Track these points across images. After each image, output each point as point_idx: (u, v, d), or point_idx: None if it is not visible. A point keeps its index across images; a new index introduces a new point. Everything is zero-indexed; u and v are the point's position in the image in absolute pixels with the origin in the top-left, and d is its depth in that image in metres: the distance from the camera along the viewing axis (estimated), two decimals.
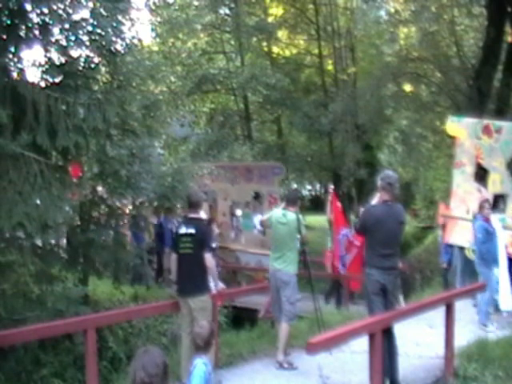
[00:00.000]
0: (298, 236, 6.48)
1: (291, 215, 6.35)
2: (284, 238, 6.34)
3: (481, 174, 11.19)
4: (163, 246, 12.78)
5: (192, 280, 5.60)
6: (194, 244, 5.60)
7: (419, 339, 7.01)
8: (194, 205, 5.82)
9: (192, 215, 5.81)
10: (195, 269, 5.59)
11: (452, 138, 11.89)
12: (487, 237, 8.28)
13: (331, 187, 10.76)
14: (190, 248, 5.61)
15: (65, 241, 8.76)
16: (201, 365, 3.61)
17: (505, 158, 10.80)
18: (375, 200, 5.50)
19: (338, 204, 10.73)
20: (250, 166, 13.83)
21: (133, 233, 12.59)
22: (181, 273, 5.73)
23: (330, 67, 22.05)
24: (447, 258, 11.79)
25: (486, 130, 10.96)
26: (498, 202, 10.97)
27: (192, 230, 5.63)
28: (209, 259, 5.60)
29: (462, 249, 10.63)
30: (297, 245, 6.48)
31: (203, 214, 12.61)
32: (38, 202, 6.19)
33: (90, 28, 7.21)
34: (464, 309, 8.53)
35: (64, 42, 7.01)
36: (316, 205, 31.21)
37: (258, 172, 13.33)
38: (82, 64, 7.33)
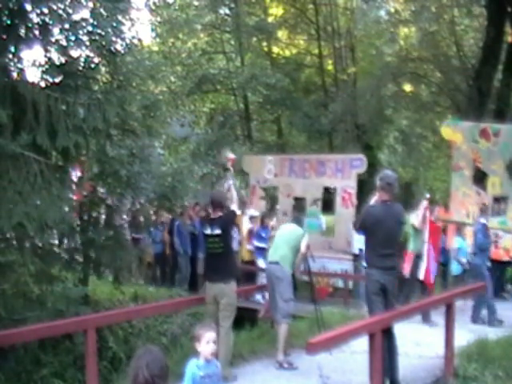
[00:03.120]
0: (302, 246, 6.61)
1: (297, 227, 6.71)
2: (282, 236, 6.62)
3: (479, 177, 11.21)
4: (197, 250, 12.18)
5: (221, 271, 5.78)
6: (223, 243, 5.82)
7: (419, 339, 7.01)
8: (216, 205, 5.91)
9: (215, 215, 5.91)
10: (223, 263, 5.80)
11: (449, 141, 11.90)
12: None
13: (427, 196, 9.26)
14: (220, 247, 5.82)
15: (65, 241, 8.77)
16: (190, 365, 3.64)
17: (504, 160, 10.82)
18: (373, 200, 5.51)
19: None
20: (324, 159, 12.23)
21: (177, 233, 12.16)
22: (209, 267, 5.96)
23: (330, 67, 22.02)
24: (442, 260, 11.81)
25: (484, 134, 11.00)
26: (497, 204, 11.02)
27: (218, 231, 5.80)
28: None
29: None
30: (296, 247, 6.51)
31: (255, 212, 11.70)
32: (38, 202, 6.19)
33: (90, 28, 7.21)
34: (464, 309, 8.54)
35: (64, 42, 7.01)
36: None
37: (333, 165, 11.72)
38: (81, 64, 7.33)
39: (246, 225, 11.92)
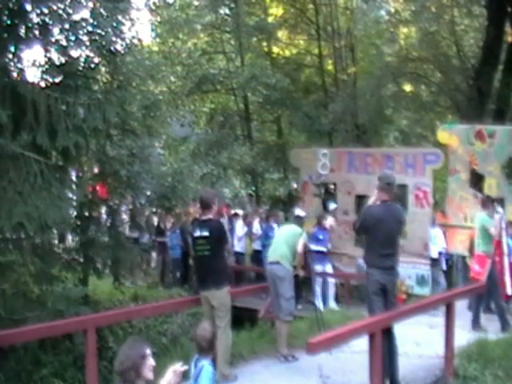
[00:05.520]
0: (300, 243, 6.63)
1: (295, 227, 6.81)
2: (281, 236, 6.71)
3: (476, 180, 11.22)
4: None
5: (210, 276, 5.71)
6: (210, 246, 5.71)
7: (419, 339, 7.00)
8: (204, 206, 5.84)
9: (204, 217, 5.83)
10: (213, 267, 5.71)
11: (444, 146, 11.87)
12: None
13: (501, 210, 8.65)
14: (207, 250, 5.72)
15: (65, 241, 8.79)
16: (208, 366, 3.66)
17: (500, 162, 10.85)
18: (372, 200, 5.53)
19: None
20: (392, 153, 11.22)
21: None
22: (200, 272, 5.89)
23: (330, 67, 21.99)
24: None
25: (479, 136, 11.03)
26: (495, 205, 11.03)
27: (206, 233, 5.71)
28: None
29: (463, 257, 10.65)
30: (294, 246, 6.55)
31: (301, 212, 11.20)
32: (38, 202, 6.20)
33: (90, 28, 7.22)
34: (464, 309, 8.53)
35: (64, 42, 7.03)
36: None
37: (402, 159, 10.66)
38: (81, 64, 7.34)
39: None
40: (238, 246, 12.49)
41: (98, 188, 9.03)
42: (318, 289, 10.41)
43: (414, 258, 9.95)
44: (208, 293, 5.71)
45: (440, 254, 10.55)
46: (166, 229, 13.05)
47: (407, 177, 10.49)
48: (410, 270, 10.06)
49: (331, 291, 10.56)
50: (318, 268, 10.35)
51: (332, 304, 10.19)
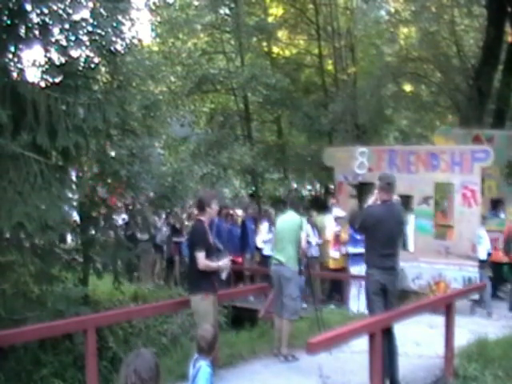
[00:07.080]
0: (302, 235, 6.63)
1: (295, 215, 6.63)
2: (284, 233, 6.57)
3: None
4: (244, 250, 11.48)
5: (188, 279, 5.87)
6: (190, 242, 5.87)
7: (419, 339, 7.01)
8: (199, 206, 5.89)
9: (198, 217, 5.93)
10: (190, 269, 5.76)
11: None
12: None
13: None
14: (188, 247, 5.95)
15: (65, 241, 8.78)
16: (205, 367, 3.64)
17: (499, 165, 10.86)
18: (371, 200, 5.54)
19: None
20: (437, 150, 10.61)
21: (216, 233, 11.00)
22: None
23: (330, 67, 21.99)
24: None
25: (477, 140, 11.07)
26: (495, 206, 11.07)
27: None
28: (199, 260, 5.48)
29: None
30: (298, 242, 6.53)
31: (340, 213, 10.26)
32: (38, 202, 6.20)
33: (90, 28, 7.22)
34: (464, 309, 8.53)
35: (64, 42, 7.03)
36: (316, 205, 31.03)
37: (449, 157, 10.14)
38: (81, 64, 7.34)
39: (331, 227, 10.65)
40: (266, 250, 11.07)
41: (110, 198, 9.14)
42: (354, 291, 10.04)
43: (461, 259, 9.69)
44: (190, 297, 5.71)
45: (489, 255, 10.11)
46: (182, 229, 12.81)
47: (453, 175, 10.16)
48: (456, 273, 9.71)
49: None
50: (356, 270, 9.96)
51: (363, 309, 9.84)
